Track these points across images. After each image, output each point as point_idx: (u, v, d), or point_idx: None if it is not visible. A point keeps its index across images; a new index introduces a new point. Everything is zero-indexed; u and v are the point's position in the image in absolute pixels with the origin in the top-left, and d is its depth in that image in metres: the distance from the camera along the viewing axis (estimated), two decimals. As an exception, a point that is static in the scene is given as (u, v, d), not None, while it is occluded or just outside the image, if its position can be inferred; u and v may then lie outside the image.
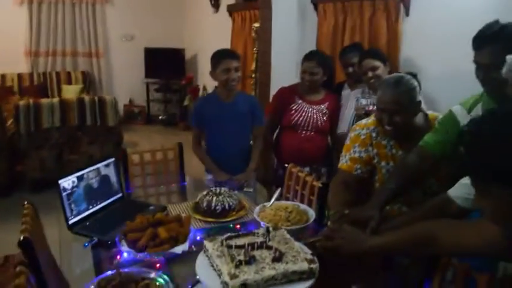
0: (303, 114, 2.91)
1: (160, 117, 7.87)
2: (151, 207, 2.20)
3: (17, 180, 4.62)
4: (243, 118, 2.86)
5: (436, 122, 1.81)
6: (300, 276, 1.41)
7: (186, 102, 7.13)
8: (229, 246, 1.52)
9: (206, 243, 1.59)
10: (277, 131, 3.15)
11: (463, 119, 1.62)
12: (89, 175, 2.11)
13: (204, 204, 2.07)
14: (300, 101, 2.93)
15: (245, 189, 2.52)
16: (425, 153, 1.72)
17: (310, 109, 2.91)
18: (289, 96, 2.94)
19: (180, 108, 7.68)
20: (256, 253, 1.49)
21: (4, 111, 4.40)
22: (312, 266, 1.42)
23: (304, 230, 1.88)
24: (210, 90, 6.65)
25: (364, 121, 1.99)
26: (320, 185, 2.17)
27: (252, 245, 1.52)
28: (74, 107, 4.50)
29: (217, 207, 2.05)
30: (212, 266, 1.51)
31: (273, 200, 2.06)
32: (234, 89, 2.79)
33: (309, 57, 2.88)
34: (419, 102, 1.79)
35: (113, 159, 2.28)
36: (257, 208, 2.02)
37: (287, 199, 2.37)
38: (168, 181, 2.85)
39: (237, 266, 1.41)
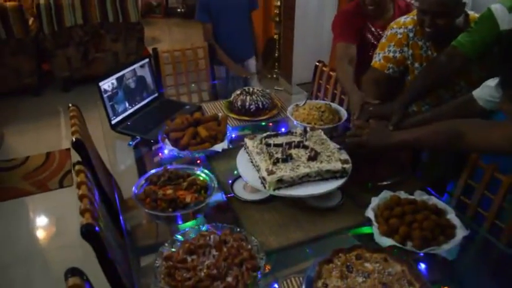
0: None
1: (179, 10, 7.68)
2: (187, 107, 2.28)
3: (46, 80, 4.72)
4: (242, 3, 3.05)
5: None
6: (333, 174, 1.50)
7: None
8: (268, 144, 1.61)
9: (247, 140, 1.68)
10: None
11: (503, 18, 1.57)
12: (127, 76, 2.16)
13: (239, 103, 2.14)
14: None
15: (276, 88, 2.56)
16: (457, 54, 1.67)
17: None
18: None
19: None
20: (293, 152, 1.58)
21: (24, 10, 4.34)
22: (345, 165, 1.51)
23: (337, 129, 1.96)
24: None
25: (402, 19, 1.92)
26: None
27: (290, 144, 1.61)
28: (94, 3, 4.43)
29: (252, 106, 2.12)
30: (251, 162, 1.62)
31: (306, 99, 2.11)
32: None
33: None
34: (465, 3, 1.71)
35: (147, 59, 2.32)
36: (290, 108, 2.07)
37: (317, 98, 2.42)
38: (199, 79, 2.90)
39: (274, 163, 1.51)
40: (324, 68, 2.47)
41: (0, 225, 2.81)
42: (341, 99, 2.33)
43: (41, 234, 2.81)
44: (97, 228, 1.22)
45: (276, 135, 1.70)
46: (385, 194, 1.47)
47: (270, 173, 1.46)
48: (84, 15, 4.43)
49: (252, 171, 1.57)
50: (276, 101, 2.26)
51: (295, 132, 1.72)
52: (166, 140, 1.85)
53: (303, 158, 1.54)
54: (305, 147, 1.60)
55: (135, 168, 1.90)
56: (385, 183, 1.58)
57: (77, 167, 1.49)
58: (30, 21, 4.46)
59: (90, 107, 2.34)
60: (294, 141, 1.62)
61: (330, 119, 1.95)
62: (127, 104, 2.15)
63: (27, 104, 4.43)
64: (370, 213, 1.40)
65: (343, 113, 2.02)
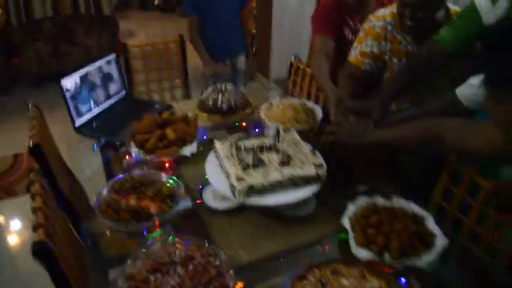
0: None
1: (155, 3, 7.51)
2: (156, 106, 2.17)
3: (15, 76, 4.53)
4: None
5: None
6: (307, 180, 1.42)
7: (182, -14, 6.75)
8: (238, 148, 1.52)
9: (216, 143, 1.59)
10: None
11: (486, 12, 1.50)
12: (91, 73, 2.04)
13: (210, 102, 2.03)
14: None
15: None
16: (438, 49, 1.61)
17: None
18: None
19: (176, -8, 7.29)
20: (265, 155, 1.49)
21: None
22: (319, 171, 1.42)
23: (312, 129, 1.87)
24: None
25: (381, 11, 1.85)
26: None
27: (261, 148, 1.52)
28: (65, -7, 4.28)
29: (223, 105, 2.02)
30: (221, 166, 1.52)
31: (278, 98, 2.02)
32: None
33: None
34: None
35: (114, 55, 2.20)
36: (263, 106, 1.98)
37: (293, 95, 2.33)
38: (171, 76, 2.78)
39: (244, 169, 1.42)
40: (300, 65, 2.39)
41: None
42: (317, 97, 2.25)
43: (7, 241, 2.67)
44: (49, 245, 1.12)
45: (247, 137, 1.61)
46: (362, 201, 1.40)
47: (240, 179, 1.37)
48: (53, 7, 4.28)
49: (221, 177, 1.47)
50: (250, 99, 2.16)
51: (267, 134, 1.63)
52: (132, 143, 1.75)
53: (275, 163, 1.45)
54: (277, 150, 1.52)
55: (102, 172, 1.79)
56: (361, 188, 1.51)
57: (31, 176, 1.37)
58: (-2, 12, 4.29)
59: (61, 105, 2.18)
60: (266, 144, 1.53)
61: (304, 119, 1.86)
62: (92, 104, 2.04)
63: (-6, 101, 4.26)
64: (346, 222, 1.32)
65: (319, 112, 1.93)
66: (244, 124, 2.02)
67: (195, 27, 2.86)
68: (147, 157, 1.70)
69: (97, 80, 2.07)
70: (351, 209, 1.37)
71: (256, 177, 1.38)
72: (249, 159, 1.46)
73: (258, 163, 1.44)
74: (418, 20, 1.64)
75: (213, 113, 2.03)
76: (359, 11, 2.09)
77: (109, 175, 1.69)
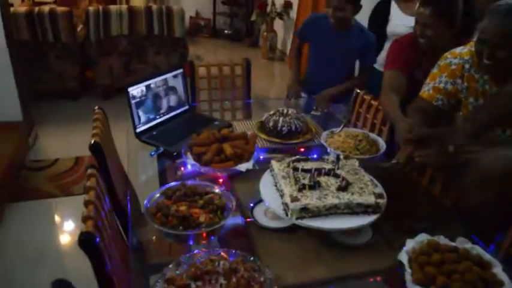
0: None
1: (225, 32, 7.74)
2: (216, 122, 2.18)
3: (87, 86, 4.77)
4: (351, 53, 2.69)
5: None
6: (365, 209, 1.35)
7: (253, 18, 6.91)
8: (296, 169, 1.48)
9: (273, 162, 1.56)
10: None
11: None
12: (157, 84, 2.09)
13: (270, 124, 2.02)
14: None
15: (312, 113, 2.43)
16: None
17: None
18: None
19: (246, 23, 7.48)
20: (323, 179, 1.44)
21: (74, 16, 4.43)
22: (379, 200, 1.35)
23: (374, 160, 1.80)
24: (278, 6, 6.39)
25: (458, 49, 1.78)
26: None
27: (319, 171, 1.47)
28: (141, 15, 4.48)
29: (284, 128, 1.99)
30: (276, 186, 1.49)
31: (342, 126, 1.97)
32: (337, 25, 2.58)
33: None
34: None
35: (181, 70, 2.24)
36: (325, 133, 1.94)
37: (356, 127, 2.27)
38: (234, 97, 2.81)
39: (300, 190, 1.37)
40: (365, 97, 2.33)
41: (19, 225, 2.76)
42: (380, 130, 2.18)
43: (58, 238, 2.74)
44: (97, 239, 1.12)
45: (306, 160, 1.56)
46: (422, 237, 1.30)
47: (294, 199, 1.32)
48: (130, 26, 4.48)
49: (275, 196, 1.44)
50: (311, 125, 2.13)
51: (327, 159, 1.58)
52: (189, 154, 1.75)
53: (332, 188, 1.40)
54: (336, 175, 1.46)
55: (157, 180, 1.80)
56: (423, 224, 1.41)
57: (89, 171, 1.39)
58: (79, 27, 4.54)
59: (126, 116, 2.23)
60: (325, 168, 1.48)
61: (366, 149, 1.80)
62: (155, 114, 2.07)
63: (65, 107, 4.48)
64: (403, 256, 1.23)
65: (382, 144, 1.86)
66: (302, 149, 1.98)
67: (297, 49, 2.92)
68: (202, 169, 1.68)
69: (162, 91, 2.11)
70: (410, 244, 1.27)
71: (311, 199, 1.33)
72: (306, 180, 1.41)
73: (315, 184, 1.38)
74: (498, 60, 1.54)
75: (272, 135, 2.01)
76: (433, 53, 2.01)
77: (163, 184, 1.68)
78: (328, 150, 1.81)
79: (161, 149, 1.88)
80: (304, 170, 1.47)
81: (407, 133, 1.63)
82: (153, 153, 1.85)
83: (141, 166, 1.96)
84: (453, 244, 1.28)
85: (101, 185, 1.42)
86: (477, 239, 1.37)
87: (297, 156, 1.59)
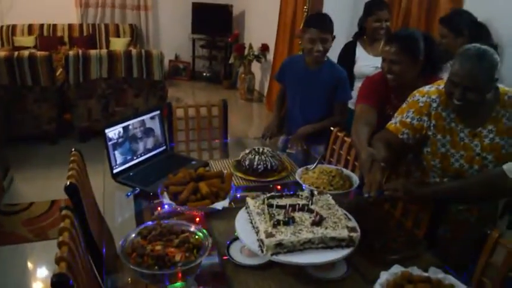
0: None
1: (204, 74, 7.86)
2: (193, 162, 2.20)
3: (64, 128, 4.76)
4: (323, 89, 2.65)
5: (506, 97, 1.68)
6: (339, 243, 1.37)
7: (231, 60, 7.06)
8: (270, 205, 1.50)
9: (248, 200, 1.58)
10: None
11: None
12: (134, 126, 2.11)
13: (246, 162, 2.05)
14: None
15: (288, 151, 2.47)
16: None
17: None
18: None
19: (225, 66, 7.63)
20: (297, 215, 1.46)
21: (54, 60, 4.47)
22: (353, 234, 1.38)
23: (347, 196, 1.84)
24: (255, 49, 6.55)
25: (426, 88, 1.85)
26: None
27: (293, 207, 1.49)
28: (121, 59, 4.54)
29: (259, 167, 2.03)
30: (251, 223, 1.50)
31: (316, 163, 2.01)
32: (317, 61, 2.60)
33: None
34: (497, 79, 1.63)
35: (158, 111, 2.28)
36: (299, 170, 1.98)
37: (330, 163, 2.32)
38: (211, 137, 2.84)
39: (274, 226, 1.39)
40: (339, 134, 2.39)
41: (-9, 272, 2.68)
42: (353, 165, 2.22)
43: (32, 284, 2.66)
44: (71, 282, 1.11)
45: (281, 197, 1.59)
46: (396, 269, 1.32)
47: (269, 235, 1.34)
48: (109, 69, 4.53)
49: (250, 233, 1.45)
50: (286, 163, 2.17)
51: (301, 195, 1.60)
52: (165, 194, 1.76)
53: (307, 223, 1.42)
54: (310, 211, 1.48)
55: (133, 221, 1.79)
56: (396, 256, 1.43)
57: (63, 212, 1.39)
58: (58, 71, 4.58)
59: (103, 158, 2.22)
60: (299, 204, 1.50)
61: (340, 184, 1.83)
62: (132, 155, 2.09)
63: (42, 150, 4.45)
64: (377, 289, 1.25)
65: (355, 180, 1.90)
66: (279, 187, 2.01)
67: (281, 92, 2.95)
68: (179, 208, 1.69)
69: (139, 132, 2.13)
70: (384, 276, 1.29)
71: (286, 234, 1.35)
72: (280, 216, 1.43)
73: (289, 220, 1.40)
74: (468, 101, 1.62)
75: (248, 174, 2.04)
76: (402, 91, 2.09)
77: (140, 224, 1.68)
78: (304, 187, 1.84)
79: (137, 190, 1.89)
80: (279, 206, 1.49)
81: (366, 162, 1.69)
82: (129, 193, 1.86)
83: (118, 207, 1.95)
84: (426, 274, 1.30)
85: (76, 226, 1.41)
86: (449, 269, 1.39)
87: (272, 193, 1.62)
